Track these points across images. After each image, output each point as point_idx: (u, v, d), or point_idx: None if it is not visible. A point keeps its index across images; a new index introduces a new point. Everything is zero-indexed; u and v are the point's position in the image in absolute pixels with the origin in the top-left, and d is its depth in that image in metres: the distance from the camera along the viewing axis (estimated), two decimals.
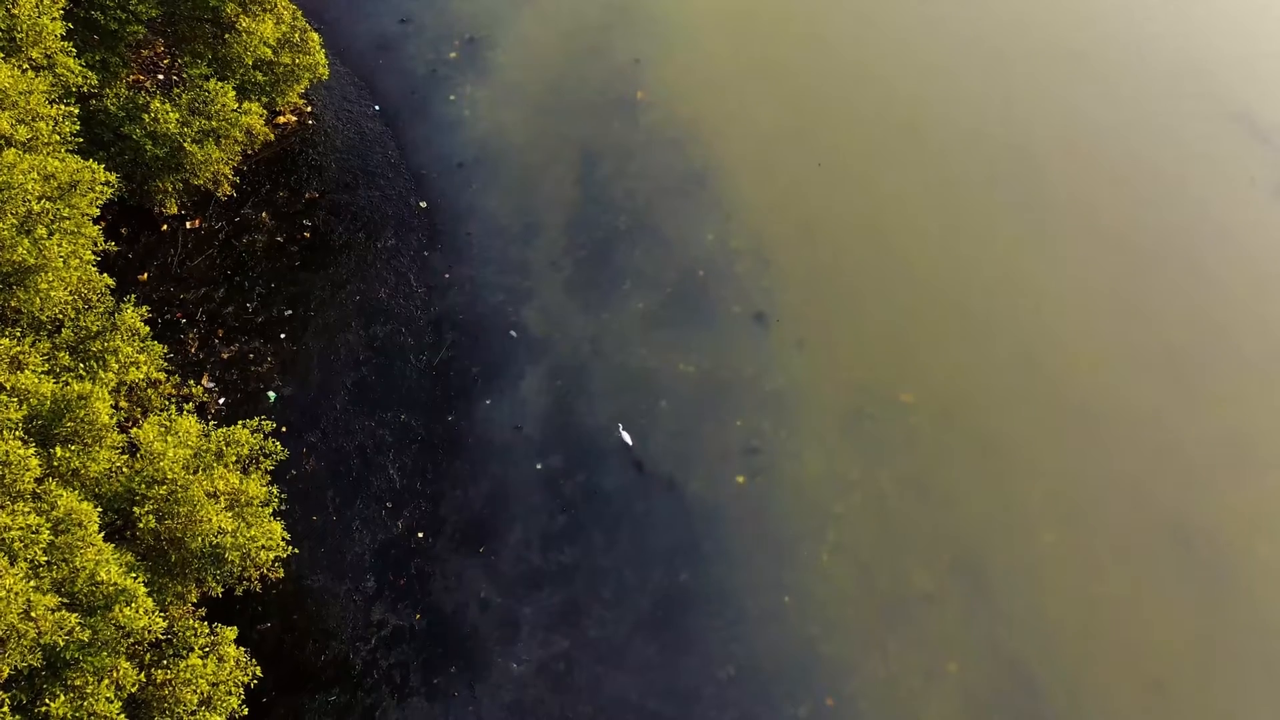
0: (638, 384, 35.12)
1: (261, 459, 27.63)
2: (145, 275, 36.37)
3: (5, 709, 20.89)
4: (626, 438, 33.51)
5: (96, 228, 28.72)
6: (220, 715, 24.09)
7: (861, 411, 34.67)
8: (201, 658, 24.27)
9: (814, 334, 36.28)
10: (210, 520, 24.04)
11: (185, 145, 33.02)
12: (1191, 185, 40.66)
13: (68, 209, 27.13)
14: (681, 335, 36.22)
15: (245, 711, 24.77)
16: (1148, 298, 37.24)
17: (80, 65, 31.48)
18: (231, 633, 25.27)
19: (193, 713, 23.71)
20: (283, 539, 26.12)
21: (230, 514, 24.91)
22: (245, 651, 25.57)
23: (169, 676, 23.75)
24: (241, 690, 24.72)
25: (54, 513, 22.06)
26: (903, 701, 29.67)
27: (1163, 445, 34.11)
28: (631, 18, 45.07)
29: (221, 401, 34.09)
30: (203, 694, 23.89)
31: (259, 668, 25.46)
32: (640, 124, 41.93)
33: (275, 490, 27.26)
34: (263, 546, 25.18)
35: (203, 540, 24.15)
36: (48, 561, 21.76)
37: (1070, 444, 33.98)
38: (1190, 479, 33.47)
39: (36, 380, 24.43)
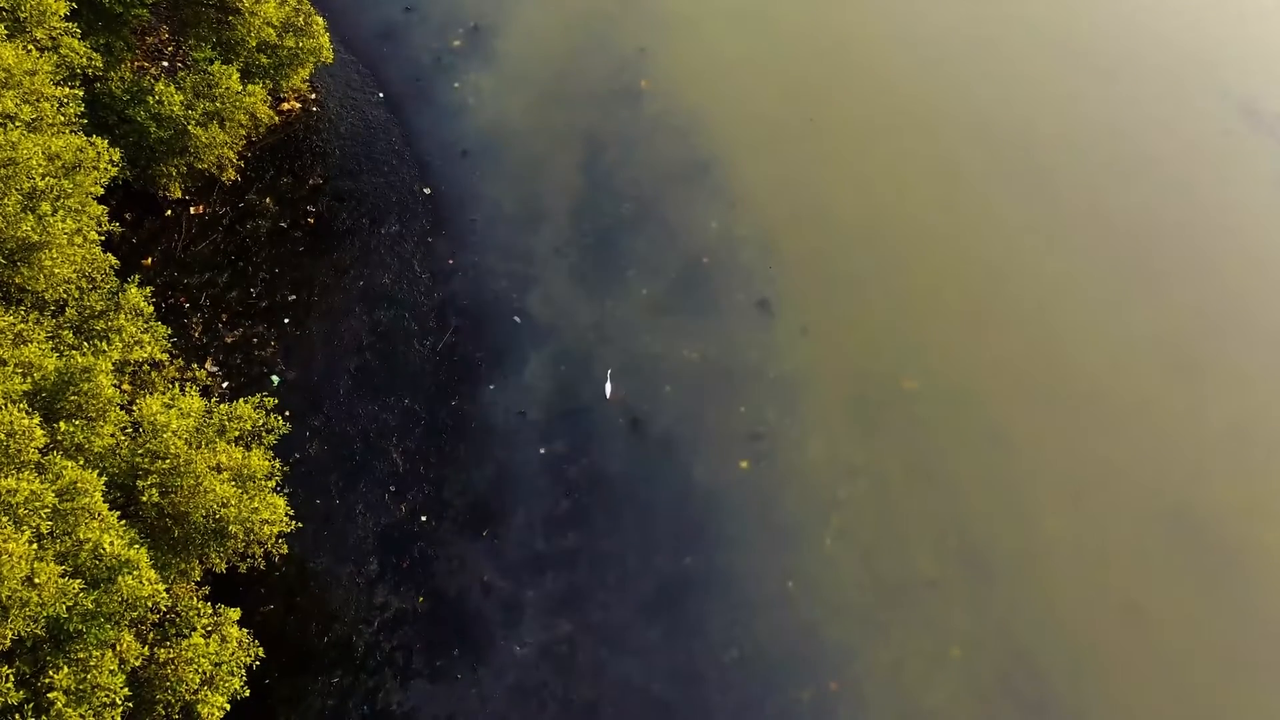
0: (642, 370, 35.06)
1: (264, 434, 27.59)
2: (149, 260, 36.34)
3: (9, 683, 20.84)
4: (608, 389, 33.57)
5: (101, 207, 28.70)
6: (222, 695, 23.96)
7: (865, 398, 34.62)
8: (204, 637, 24.21)
9: (818, 321, 36.23)
10: (214, 491, 24.01)
11: (189, 128, 32.99)
12: (1196, 177, 40.60)
13: (72, 186, 27.09)
14: (686, 322, 36.17)
15: (247, 693, 24.68)
16: (1152, 286, 37.19)
17: (85, 47, 31.45)
18: (234, 613, 25.20)
19: (195, 692, 23.62)
20: (286, 514, 26.08)
21: (234, 487, 24.88)
22: (248, 632, 25.55)
23: (171, 655, 23.69)
24: (244, 671, 24.65)
25: (58, 482, 22.04)
26: (906, 686, 29.61)
27: (1167, 433, 34.05)
28: (636, 7, 45.04)
29: (225, 386, 34.06)
30: (205, 673, 23.78)
31: (261, 649, 25.41)
32: (645, 113, 41.89)
33: (278, 464, 27.19)
34: (265, 520, 25.11)
35: (206, 513, 24.11)
36: (50, 533, 21.75)
37: (1074, 431, 33.90)
38: (1195, 467, 33.40)
39: (40, 354, 24.42)
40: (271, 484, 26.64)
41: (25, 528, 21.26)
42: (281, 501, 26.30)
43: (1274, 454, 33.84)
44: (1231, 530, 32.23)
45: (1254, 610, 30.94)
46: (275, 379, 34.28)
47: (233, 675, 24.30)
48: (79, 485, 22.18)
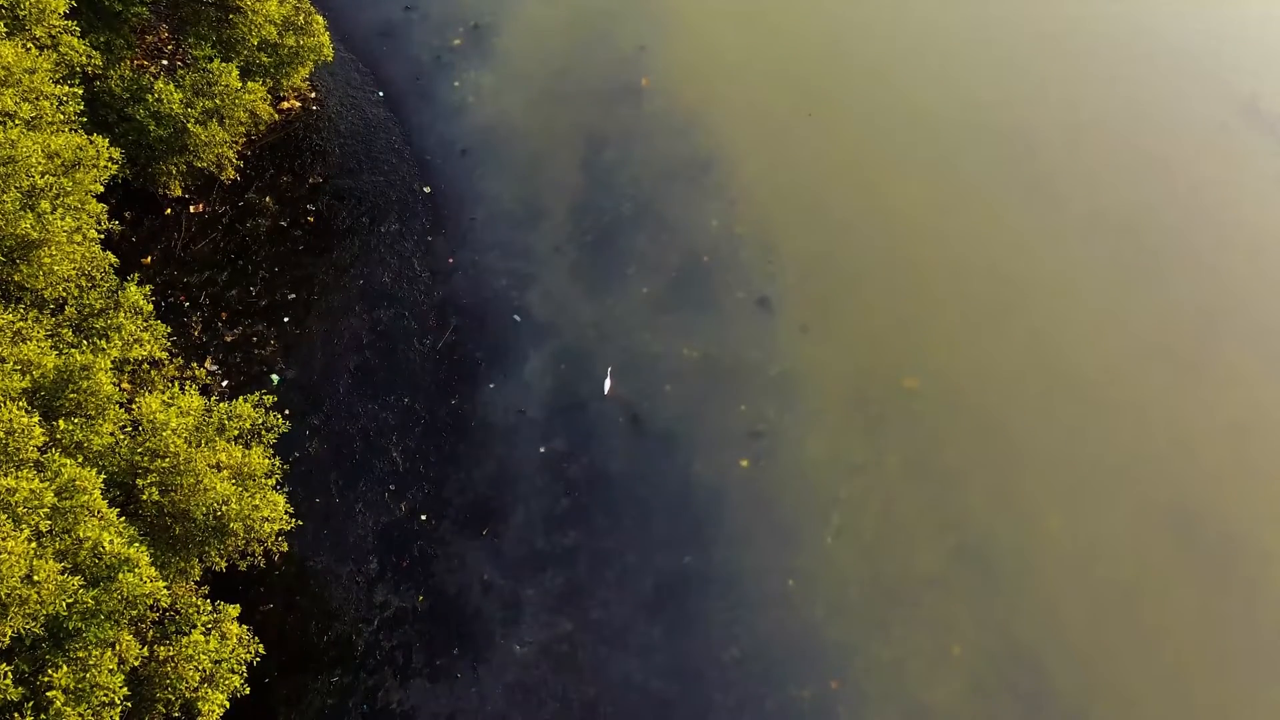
0: (642, 368, 35.02)
1: (263, 433, 27.56)
2: (149, 259, 36.31)
3: (8, 680, 20.80)
4: (607, 384, 33.62)
5: (101, 205, 28.66)
6: (223, 693, 23.94)
7: (865, 396, 34.56)
8: (204, 635, 24.19)
9: (818, 319, 36.17)
10: (214, 489, 23.97)
11: (189, 126, 32.95)
12: (1196, 176, 40.47)
13: (71, 184, 27.05)
14: (686, 320, 36.13)
15: (247, 690, 24.64)
16: (1153, 284, 37.12)
17: (84, 45, 31.42)
18: (234, 610, 25.17)
19: (195, 689, 23.60)
20: (286, 511, 26.04)
21: (233, 485, 24.84)
22: (248, 629, 25.53)
23: (171, 653, 23.66)
24: (244, 668, 24.62)
25: (57, 480, 22.00)
26: (907, 684, 29.57)
27: (1168, 431, 33.97)
28: (636, 5, 44.95)
29: (225, 384, 34.04)
30: (205, 671, 23.77)
31: (261, 646, 25.38)
32: (645, 111, 41.83)
33: (277, 462, 27.17)
34: (265, 518, 25.07)
35: (206, 510, 24.06)
36: (50, 530, 21.71)
37: (1075, 429, 33.84)
38: (1196, 465, 33.32)
39: (39, 352, 24.38)
40: (271, 482, 26.66)
41: (24, 526, 21.23)
42: (281, 499, 26.30)
43: (1274, 454, 33.75)
44: (1231, 528, 32.15)
45: (1253, 607, 30.89)
46: (275, 378, 34.25)
47: (233, 673, 24.27)
48: (78, 483, 22.14)
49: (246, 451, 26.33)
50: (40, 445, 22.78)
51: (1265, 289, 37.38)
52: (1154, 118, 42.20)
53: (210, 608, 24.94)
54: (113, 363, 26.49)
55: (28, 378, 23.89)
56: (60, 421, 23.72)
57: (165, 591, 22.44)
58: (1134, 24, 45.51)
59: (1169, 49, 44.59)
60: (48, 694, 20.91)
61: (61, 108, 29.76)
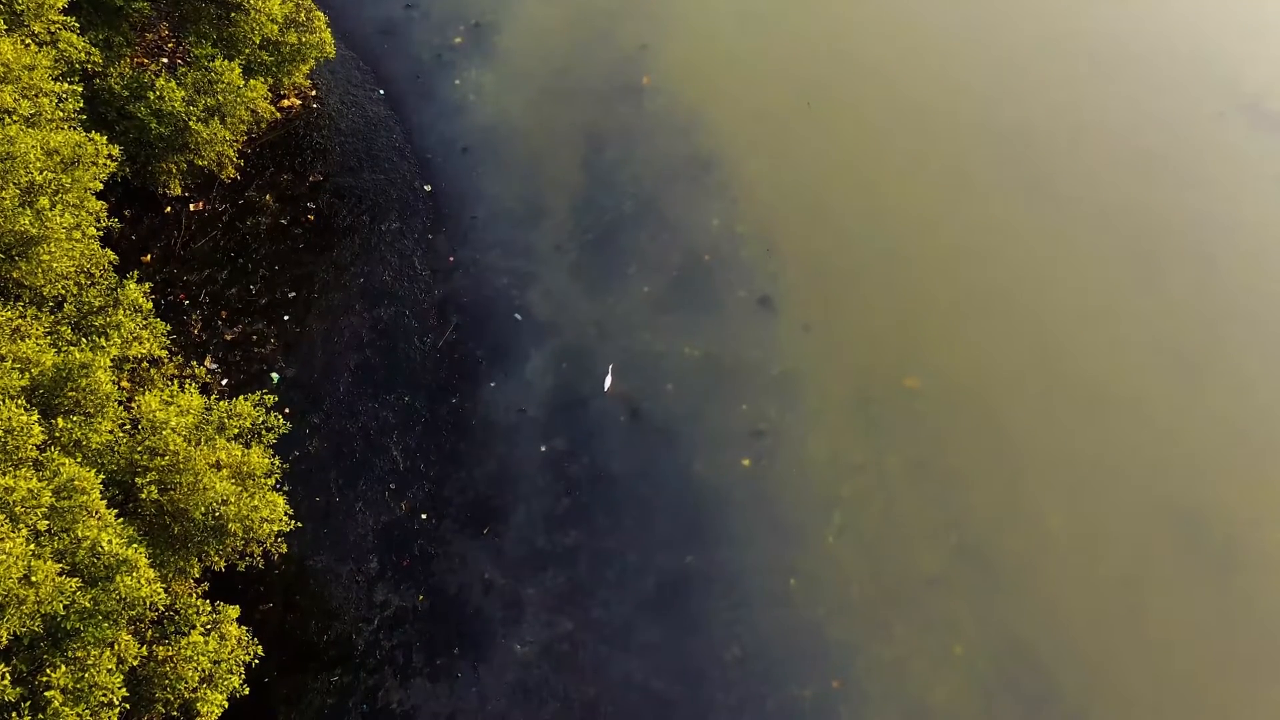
0: (644, 368, 34.92)
1: (264, 432, 27.45)
2: (149, 257, 36.21)
3: (6, 681, 20.69)
4: (608, 382, 33.60)
5: (100, 203, 28.56)
6: (222, 694, 23.88)
7: (867, 395, 34.44)
8: (203, 635, 24.11)
9: (819, 318, 36.05)
10: (214, 488, 23.86)
11: (190, 124, 32.82)
12: (1199, 174, 40.33)
13: (70, 181, 26.95)
14: (687, 319, 36.02)
15: (247, 691, 24.57)
16: (1155, 283, 36.99)
17: (84, 42, 31.32)
18: (234, 611, 25.10)
19: (194, 690, 23.52)
20: (285, 513, 25.93)
21: (233, 484, 24.74)
22: (247, 630, 25.44)
23: (170, 653, 23.58)
24: (243, 669, 24.54)
25: (56, 480, 21.89)
26: (909, 684, 29.46)
27: (1170, 431, 33.84)
28: (638, 3, 44.86)
29: (224, 383, 33.93)
30: (204, 671, 23.70)
31: (260, 647, 25.30)
32: (646, 109, 41.71)
33: (277, 462, 27.05)
34: (265, 519, 24.95)
35: (205, 509, 23.95)
36: (48, 530, 21.60)
37: (1077, 428, 33.72)
38: (1198, 465, 33.20)
39: (38, 349, 24.27)
40: (271, 482, 26.55)
41: (22, 525, 21.12)
42: (281, 500, 26.15)
43: (1274, 454, 33.62)
44: (1232, 528, 32.03)
45: (1255, 606, 30.76)
46: (275, 376, 34.15)
47: (232, 673, 24.21)
48: (77, 483, 22.03)
49: (246, 451, 26.22)
50: (39, 443, 22.68)
51: (1267, 289, 37.25)
52: (1156, 117, 42.04)
53: (210, 609, 24.84)
54: (112, 361, 26.39)
55: (26, 375, 23.79)
56: (59, 419, 23.60)
57: (163, 594, 22.33)
58: (1136, 23, 45.39)
59: (1171, 48, 44.44)
60: (46, 694, 20.82)
61: (61, 105, 29.66)
